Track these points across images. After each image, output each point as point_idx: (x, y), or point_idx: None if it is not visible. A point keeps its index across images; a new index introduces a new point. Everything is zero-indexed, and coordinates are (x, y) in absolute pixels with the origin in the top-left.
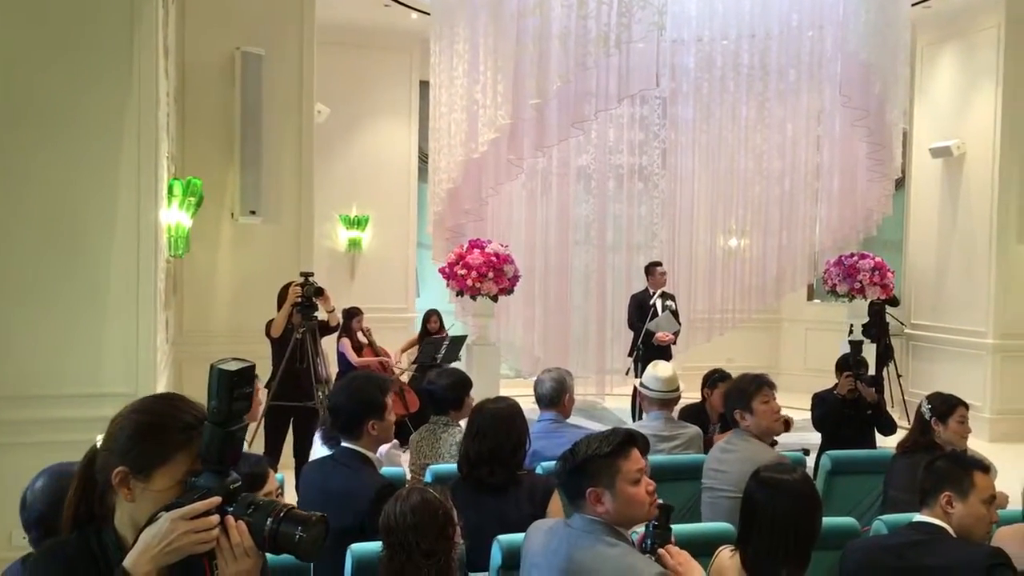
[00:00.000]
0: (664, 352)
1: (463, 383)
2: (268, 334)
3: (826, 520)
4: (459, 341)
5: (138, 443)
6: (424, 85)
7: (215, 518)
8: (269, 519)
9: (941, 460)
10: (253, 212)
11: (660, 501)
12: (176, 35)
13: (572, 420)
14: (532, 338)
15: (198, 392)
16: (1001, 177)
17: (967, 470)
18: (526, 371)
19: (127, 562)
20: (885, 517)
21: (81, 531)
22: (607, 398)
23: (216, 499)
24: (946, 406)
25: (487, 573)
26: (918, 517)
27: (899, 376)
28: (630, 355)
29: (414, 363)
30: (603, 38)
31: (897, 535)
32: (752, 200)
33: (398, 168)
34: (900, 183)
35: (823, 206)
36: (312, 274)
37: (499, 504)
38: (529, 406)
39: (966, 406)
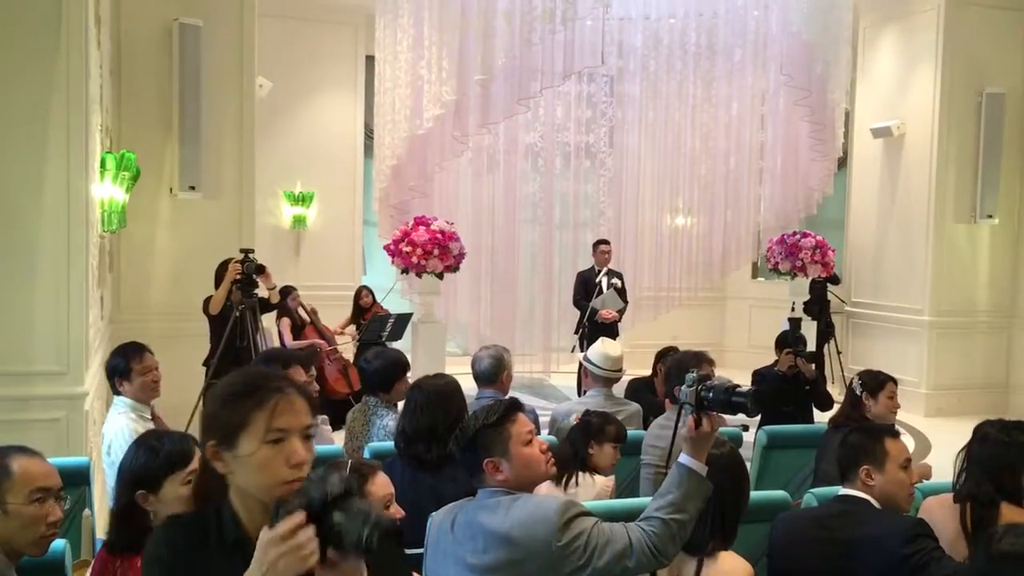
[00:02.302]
0: (609, 329)
1: (395, 365)
2: (206, 311)
3: (758, 494)
4: (404, 319)
5: (218, 415)
6: (370, 60)
7: (309, 533)
8: (366, 528)
9: (853, 435)
10: (193, 187)
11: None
12: (111, 5)
13: (518, 397)
14: (478, 315)
15: None
16: (939, 158)
17: (879, 439)
18: (473, 348)
19: None
20: (815, 490)
21: (200, 510)
22: (553, 375)
23: (300, 516)
24: (876, 382)
25: (423, 549)
26: (842, 491)
27: (839, 353)
28: (576, 332)
29: (359, 341)
30: (548, 14)
31: (823, 507)
32: (698, 178)
33: (344, 144)
34: (842, 162)
35: (767, 185)
36: (252, 251)
37: (436, 481)
38: (474, 384)
39: (895, 382)
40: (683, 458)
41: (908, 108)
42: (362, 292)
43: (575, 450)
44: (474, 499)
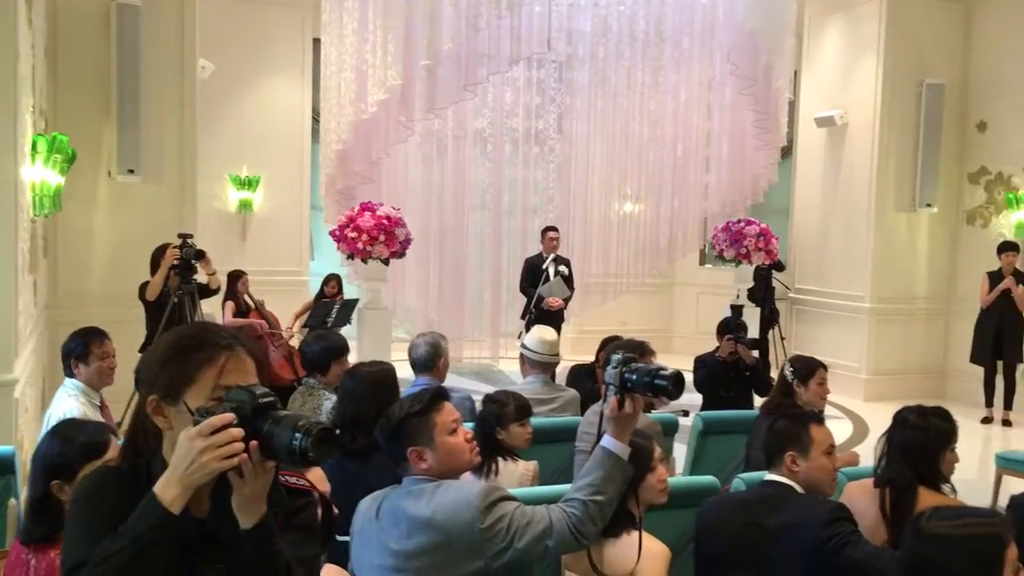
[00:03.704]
0: (556, 316)
1: (333, 348)
2: (142, 297)
3: (688, 479)
4: (350, 305)
5: (163, 368)
6: (317, 43)
7: (238, 432)
8: (297, 434)
9: (780, 421)
10: (131, 171)
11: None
12: None
13: (467, 383)
14: (427, 301)
15: None
16: (880, 147)
17: (804, 426)
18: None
19: (157, 487)
20: (744, 475)
21: (133, 461)
22: (501, 361)
23: (230, 415)
24: (807, 369)
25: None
26: (768, 476)
27: (783, 339)
28: (523, 318)
29: (305, 327)
30: (495, 0)
31: (748, 492)
32: (646, 165)
33: (291, 128)
34: (788, 151)
35: (713, 173)
36: (191, 236)
37: (363, 470)
38: None
39: (825, 368)
40: (605, 440)
41: (851, 98)
42: (330, 281)
43: (486, 439)
44: (399, 487)
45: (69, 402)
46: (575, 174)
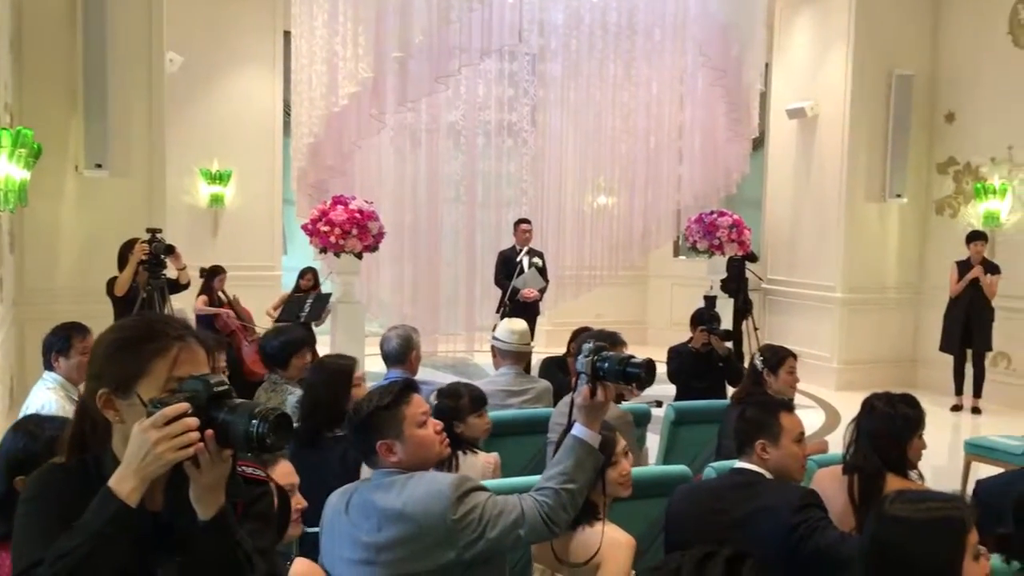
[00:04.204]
0: (531, 308)
1: (293, 343)
2: (110, 293)
3: (659, 468)
4: (323, 299)
5: (112, 361)
6: (288, 36)
7: (192, 422)
8: (254, 420)
9: (750, 410)
10: (99, 165)
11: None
12: None
13: (441, 376)
14: (401, 295)
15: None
16: (851, 138)
17: (774, 414)
18: None
19: (112, 481)
20: (715, 464)
21: (80, 457)
22: (476, 354)
23: (184, 405)
24: (776, 358)
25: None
26: (738, 464)
27: (756, 329)
28: (498, 312)
29: (277, 321)
30: None
31: (718, 479)
32: (619, 158)
33: (262, 121)
34: (760, 142)
35: (686, 165)
36: (160, 231)
37: (317, 462)
38: None
39: (795, 357)
40: (576, 428)
41: (821, 89)
42: (306, 274)
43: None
44: (369, 480)
45: (47, 395)
46: (549, 166)
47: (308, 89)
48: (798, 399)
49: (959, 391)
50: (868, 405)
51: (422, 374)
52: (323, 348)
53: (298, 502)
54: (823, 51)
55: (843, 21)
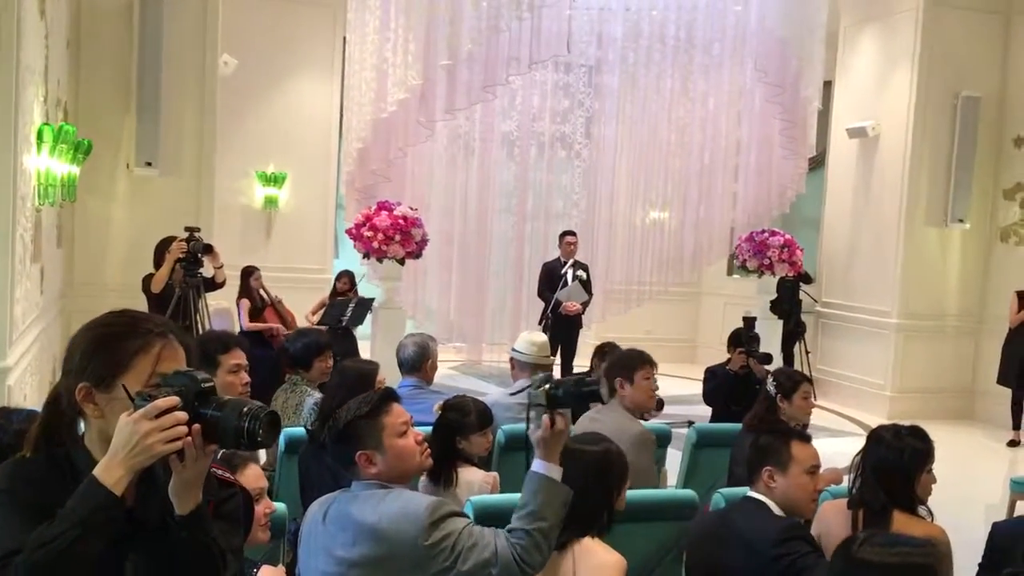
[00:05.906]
0: (574, 322)
1: (315, 345)
2: (146, 290)
3: (664, 492)
4: (366, 303)
5: (94, 356)
6: (347, 41)
7: (182, 415)
8: (245, 417)
9: (763, 437)
10: (149, 163)
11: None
12: None
13: (486, 386)
14: (448, 303)
15: None
16: (912, 160)
17: (785, 442)
18: (440, 337)
19: (97, 471)
20: (723, 491)
21: (48, 451)
22: None
23: (175, 399)
24: (791, 383)
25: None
26: (749, 492)
27: (807, 353)
28: (540, 324)
29: (319, 325)
30: (516, 1)
31: (727, 506)
32: (673, 173)
33: (319, 126)
34: (820, 161)
35: (741, 182)
36: (198, 229)
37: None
38: (443, 372)
39: (811, 382)
40: (536, 464)
41: (884, 109)
42: (342, 277)
43: (444, 448)
44: (348, 490)
45: None
46: (601, 179)
47: (359, 95)
48: (846, 426)
49: (1016, 426)
50: (874, 437)
51: (459, 382)
52: (364, 353)
53: (267, 506)
54: (887, 70)
55: (909, 40)
